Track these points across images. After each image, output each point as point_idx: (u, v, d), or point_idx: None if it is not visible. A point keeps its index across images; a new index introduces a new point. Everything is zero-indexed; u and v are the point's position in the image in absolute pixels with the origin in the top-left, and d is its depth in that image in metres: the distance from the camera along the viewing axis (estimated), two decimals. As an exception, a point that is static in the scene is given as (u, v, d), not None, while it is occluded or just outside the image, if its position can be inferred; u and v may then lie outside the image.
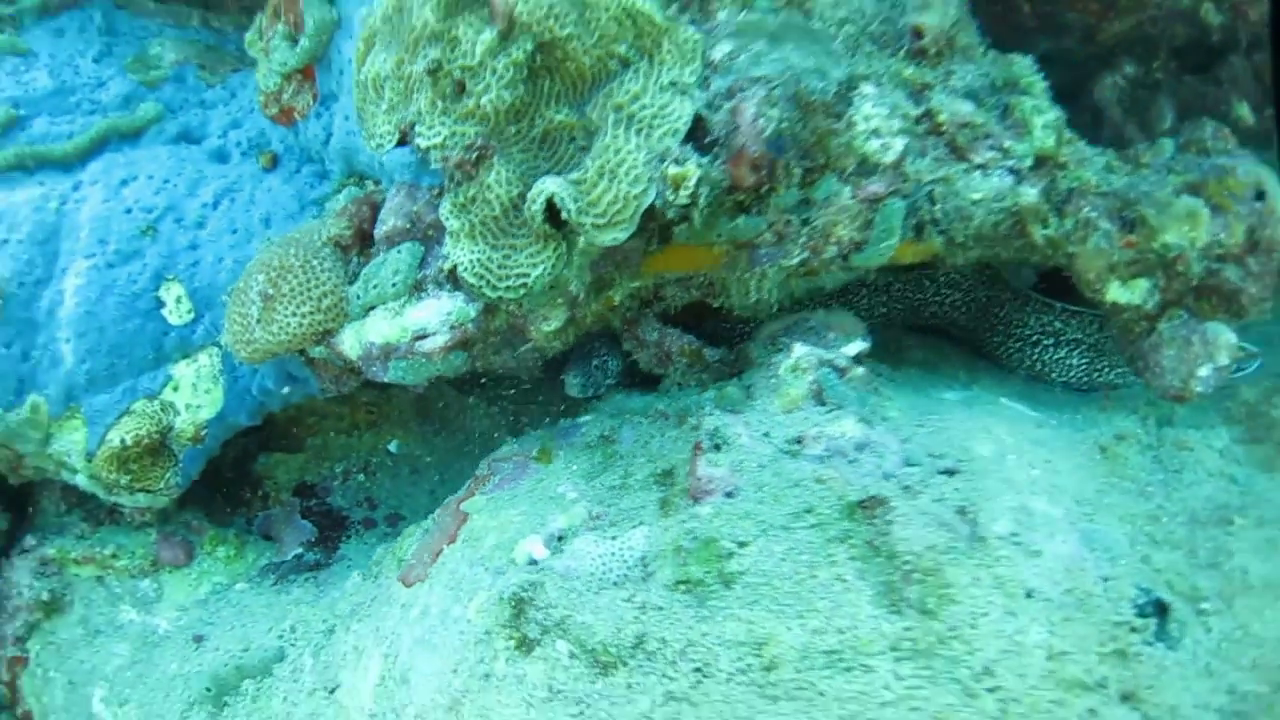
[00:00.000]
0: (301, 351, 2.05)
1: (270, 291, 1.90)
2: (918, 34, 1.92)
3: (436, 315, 1.86)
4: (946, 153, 1.88)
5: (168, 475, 2.47)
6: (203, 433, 2.39)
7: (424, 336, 1.86)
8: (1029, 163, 1.91)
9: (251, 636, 2.24)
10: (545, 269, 1.71)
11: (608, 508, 1.71)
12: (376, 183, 2.27)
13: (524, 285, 1.72)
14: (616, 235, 1.69)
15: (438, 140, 1.74)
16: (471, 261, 1.74)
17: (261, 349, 1.95)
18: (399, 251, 1.83)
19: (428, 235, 1.87)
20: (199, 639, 2.45)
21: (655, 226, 1.77)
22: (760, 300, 2.01)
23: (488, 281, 1.74)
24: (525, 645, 1.50)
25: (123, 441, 2.35)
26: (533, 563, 1.65)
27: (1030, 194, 1.88)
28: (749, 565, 1.49)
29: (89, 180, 2.57)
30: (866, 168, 1.79)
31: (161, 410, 2.42)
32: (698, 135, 1.74)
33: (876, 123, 1.75)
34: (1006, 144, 1.90)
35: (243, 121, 2.73)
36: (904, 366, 2.51)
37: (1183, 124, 2.61)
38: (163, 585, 2.67)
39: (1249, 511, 2.28)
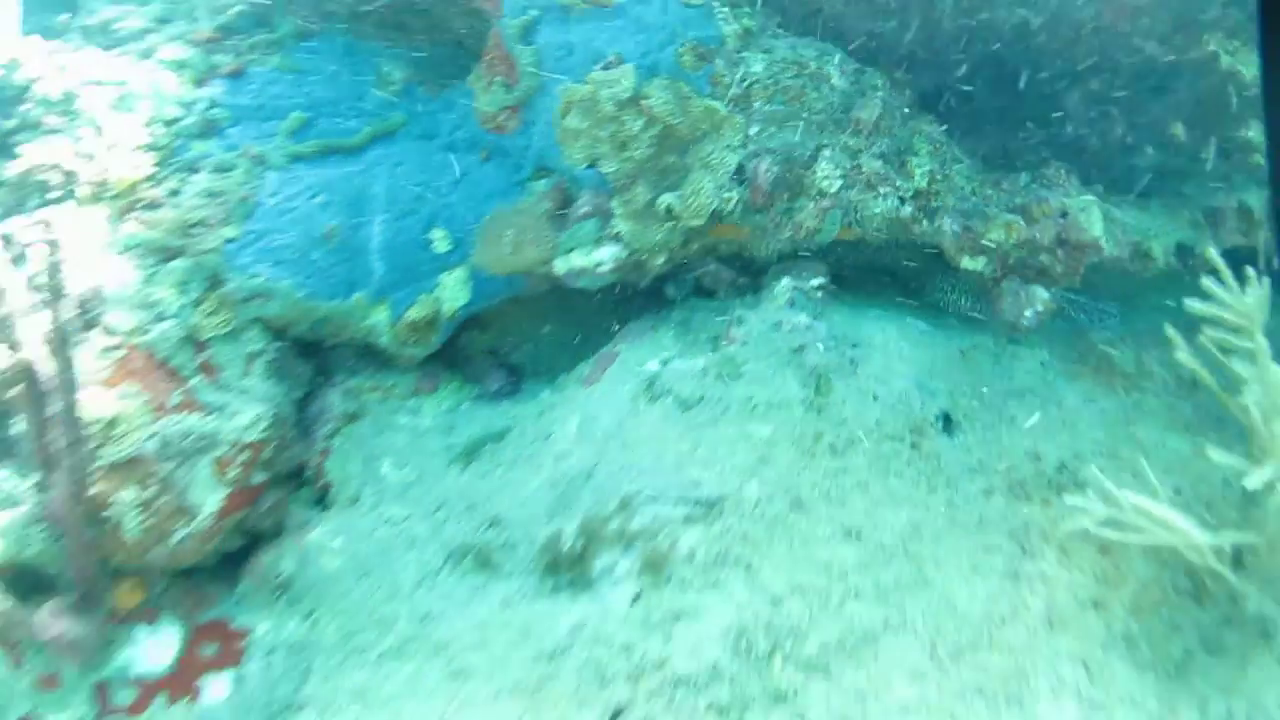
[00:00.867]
0: (527, 271, 3.77)
1: (517, 238, 3.65)
2: (858, 122, 3.57)
3: (608, 255, 3.32)
4: (865, 188, 3.27)
5: (433, 338, 3.53)
6: (457, 313, 3.57)
7: (600, 265, 3.37)
8: (910, 194, 3.44)
9: (486, 424, 3.71)
10: (662, 237, 3.44)
11: (687, 348, 3.32)
12: (556, 174, 3.60)
13: (653, 244, 3.45)
14: (698, 222, 3.39)
15: (612, 170, 3.43)
16: (626, 230, 3.47)
17: (509, 267, 3.70)
18: (591, 222, 3.49)
19: (603, 213, 3.53)
20: (451, 428, 4.13)
21: (715, 216, 3.42)
22: (767, 254, 3.47)
23: (633, 241, 3.48)
24: (652, 399, 3.14)
25: (413, 319, 3.50)
26: (652, 371, 3.34)
27: (906, 210, 3.42)
28: (746, 371, 3.13)
29: (374, 163, 3.54)
30: (821, 194, 3.38)
31: (433, 301, 3.49)
32: (737, 174, 3.35)
33: (828, 171, 3.42)
34: (899, 184, 3.43)
35: (462, 125, 3.68)
36: (855, 293, 3.54)
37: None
38: (421, 403, 3.57)
39: (1039, 391, 3.27)
